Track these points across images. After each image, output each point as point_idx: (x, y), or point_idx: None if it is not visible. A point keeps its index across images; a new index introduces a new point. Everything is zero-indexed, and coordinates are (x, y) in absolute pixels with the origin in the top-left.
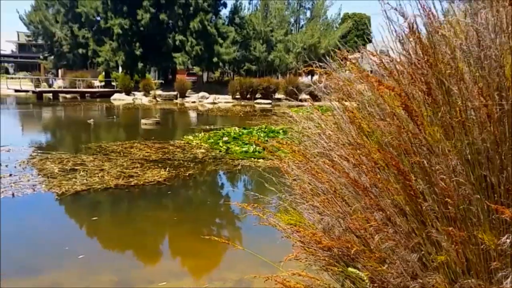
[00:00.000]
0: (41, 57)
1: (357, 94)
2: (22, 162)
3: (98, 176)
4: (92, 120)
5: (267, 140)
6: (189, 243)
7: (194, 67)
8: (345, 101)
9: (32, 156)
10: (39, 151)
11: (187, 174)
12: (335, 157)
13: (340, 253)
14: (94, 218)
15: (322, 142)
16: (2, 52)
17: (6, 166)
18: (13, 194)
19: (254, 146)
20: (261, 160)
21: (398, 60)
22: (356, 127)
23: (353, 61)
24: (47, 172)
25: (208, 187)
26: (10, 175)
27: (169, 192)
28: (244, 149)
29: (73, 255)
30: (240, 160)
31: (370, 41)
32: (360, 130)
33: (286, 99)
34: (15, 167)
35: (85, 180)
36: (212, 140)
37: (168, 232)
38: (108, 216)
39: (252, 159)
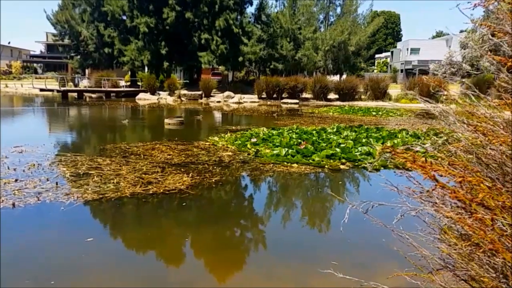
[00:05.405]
0: (67, 56)
1: None
2: (32, 165)
3: (113, 183)
4: (126, 120)
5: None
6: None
7: (219, 66)
8: None
9: (45, 158)
10: (53, 153)
11: (212, 181)
12: None
13: None
14: (89, 239)
15: None
16: (32, 53)
17: (14, 169)
18: (13, 204)
19: (286, 148)
20: (295, 165)
21: None
22: None
23: None
24: (57, 177)
25: (241, 200)
26: (16, 180)
27: (184, 204)
28: (275, 151)
29: None
30: (270, 165)
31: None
32: None
33: (313, 98)
34: (23, 170)
35: (98, 188)
36: (239, 142)
37: (193, 269)
38: (114, 236)
39: (285, 163)
